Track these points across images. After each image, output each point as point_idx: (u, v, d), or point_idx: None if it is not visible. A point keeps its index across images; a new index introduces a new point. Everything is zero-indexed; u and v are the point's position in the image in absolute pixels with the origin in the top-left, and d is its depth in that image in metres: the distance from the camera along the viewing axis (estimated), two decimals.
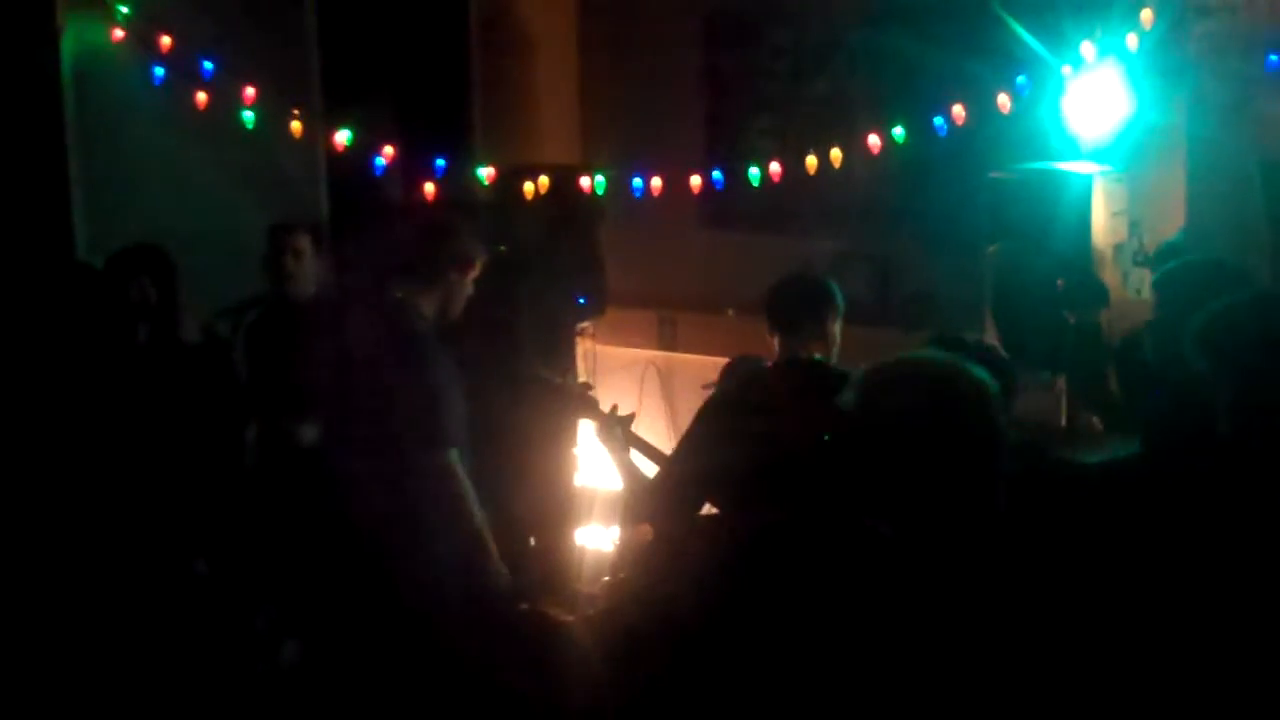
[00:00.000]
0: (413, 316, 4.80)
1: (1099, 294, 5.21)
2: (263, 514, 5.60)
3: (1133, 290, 5.38)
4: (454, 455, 4.79)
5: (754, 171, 6.20)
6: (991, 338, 5.65)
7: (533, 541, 6.16)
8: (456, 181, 6.63)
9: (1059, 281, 5.21)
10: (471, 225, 5.99)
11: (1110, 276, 5.42)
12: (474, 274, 4.94)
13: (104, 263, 5.56)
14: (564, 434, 6.72)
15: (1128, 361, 4.88)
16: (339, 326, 4.95)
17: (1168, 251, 5.32)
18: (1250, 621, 2.79)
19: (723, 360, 7.00)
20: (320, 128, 6.68)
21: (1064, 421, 5.23)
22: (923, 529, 2.63)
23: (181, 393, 5.32)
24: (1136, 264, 5.46)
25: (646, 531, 6.22)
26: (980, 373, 2.75)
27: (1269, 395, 3.29)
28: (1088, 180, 5.36)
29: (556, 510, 6.29)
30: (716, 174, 6.29)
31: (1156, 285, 4.50)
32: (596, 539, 6.39)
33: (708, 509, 5.30)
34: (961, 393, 2.70)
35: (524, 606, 5.95)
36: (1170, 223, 5.43)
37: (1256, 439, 3.30)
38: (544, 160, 7.23)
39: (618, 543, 6.20)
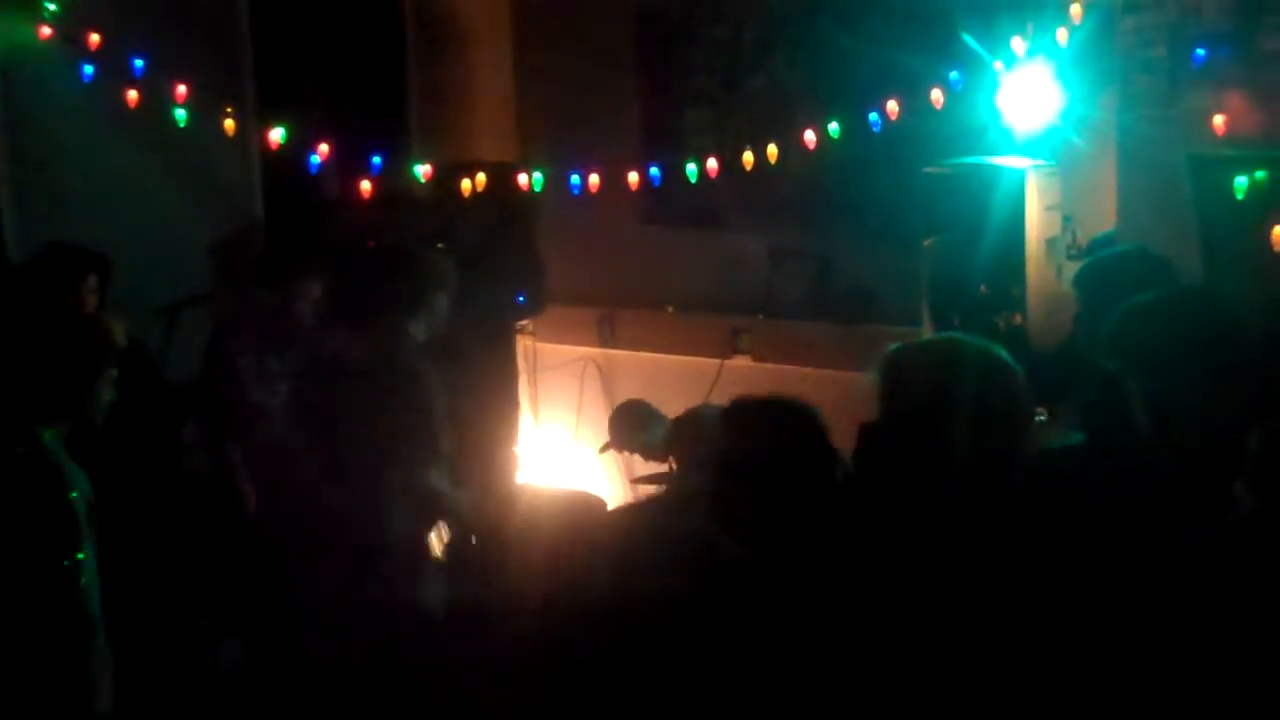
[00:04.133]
0: (404, 341, 4.85)
1: (1018, 300, 5.29)
2: (205, 516, 5.57)
3: (1066, 284, 5.42)
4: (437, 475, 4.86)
5: (691, 168, 6.19)
6: (928, 331, 5.69)
7: (474, 540, 6.15)
8: (393, 179, 6.59)
9: (981, 287, 5.28)
10: (410, 220, 6.01)
11: (1044, 270, 5.47)
12: (449, 294, 5.02)
13: (42, 259, 5.48)
14: (506, 430, 6.72)
15: (1062, 353, 4.93)
16: (325, 348, 5.02)
17: (1099, 244, 5.38)
18: (1170, 608, 2.83)
19: (663, 357, 7.06)
20: (253, 126, 6.62)
21: None
22: (942, 507, 2.68)
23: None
24: (1070, 258, 5.51)
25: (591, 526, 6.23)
26: (1002, 352, 2.83)
27: (1175, 392, 3.34)
28: (1021, 175, 5.40)
29: (499, 506, 6.29)
30: (654, 171, 6.28)
31: (1077, 279, 4.56)
32: (537, 535, 6.37)
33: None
34: (988, 367, 2.76)
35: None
36: (1103, 216, 5.48)
37: (1171, 433, 3.35)
38: (481, 157, 7.21)
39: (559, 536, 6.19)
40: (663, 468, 6.33)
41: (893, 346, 2.91)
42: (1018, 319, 5.32)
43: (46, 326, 3.77)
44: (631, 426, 6.22)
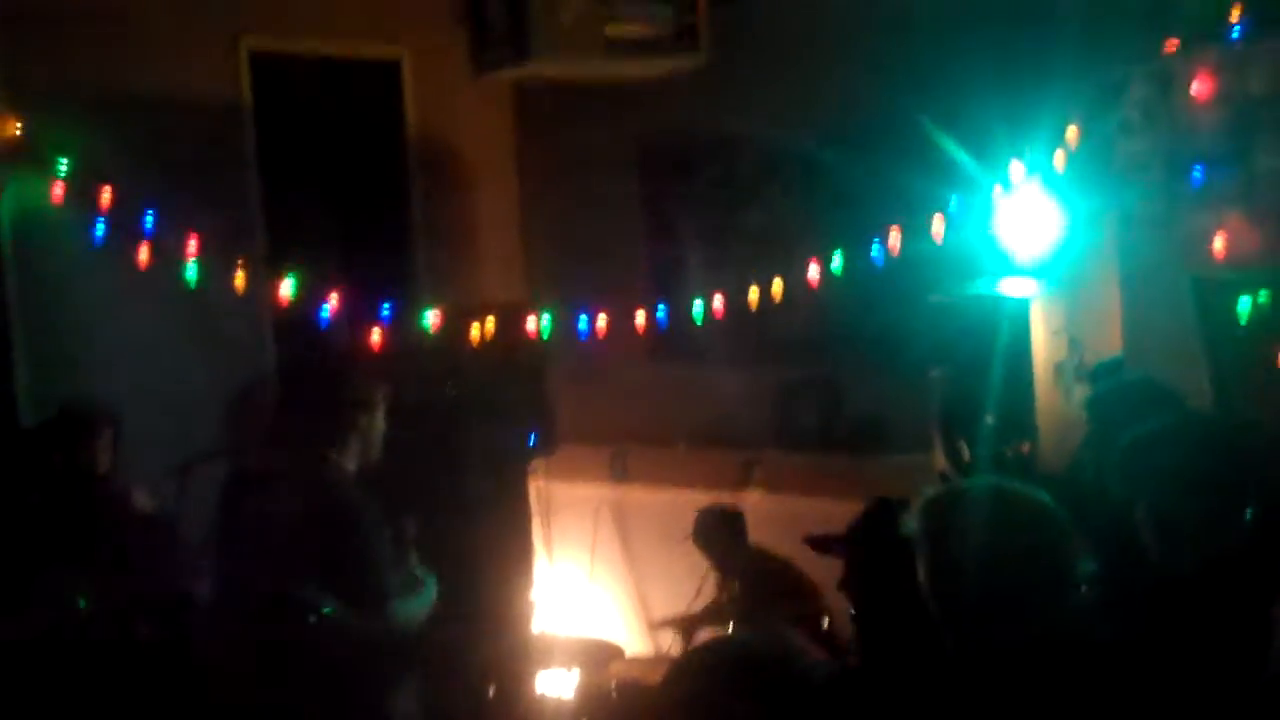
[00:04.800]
0: (334, 475, 4.72)
1: (1025, 429, 5.27)
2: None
3: (1075, 407, 5.40)
4: (393, 609, 4.71)
5: (697, 307, 6.21)
6: (940, 460, 5.67)
7: (491, 690, 6.08)
8: (402, 327, 6.62)
9: (987, 417, 5.26)
10: (403, 369, 5.99)
11: (1053, 394, 5.45)
12: (379, 412, 4.87)
13: (55, 419, 5.51)
14: (520, 575, 6.67)
15: (1070, 481, 4.90)
16: (266, 499, 4.89)
17: (1106, 369, 5.36)
18: None
19: (676, 493, 7.03)
20: (263, 277, 6.67)
21: None
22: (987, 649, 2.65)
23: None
24: (1078, 380, 5.49)
25: (609, 675, 6.17)
26: (1039, 494, 2.85)
27: (1182, 518, 3.33)
28: (1025, 302, 5.41)
29: (514, 655, 6.22)
30: (660, 312, 6.30)
31: (1088, 407, 4.56)
32: (556, 684, 6.30)
33: None
34: (1017, 513, 2.75)
35: None
36: (1108, 338, 5.47)
37: (1181, 564, 3.33)
38: (488, 299, 7.25)
39: (578, 688, 6.12)
40: (682, 605, 6.30)
41: (931, 493, 2.90)
42: (1025, 448, 5.30)
43: None
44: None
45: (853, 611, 3.41)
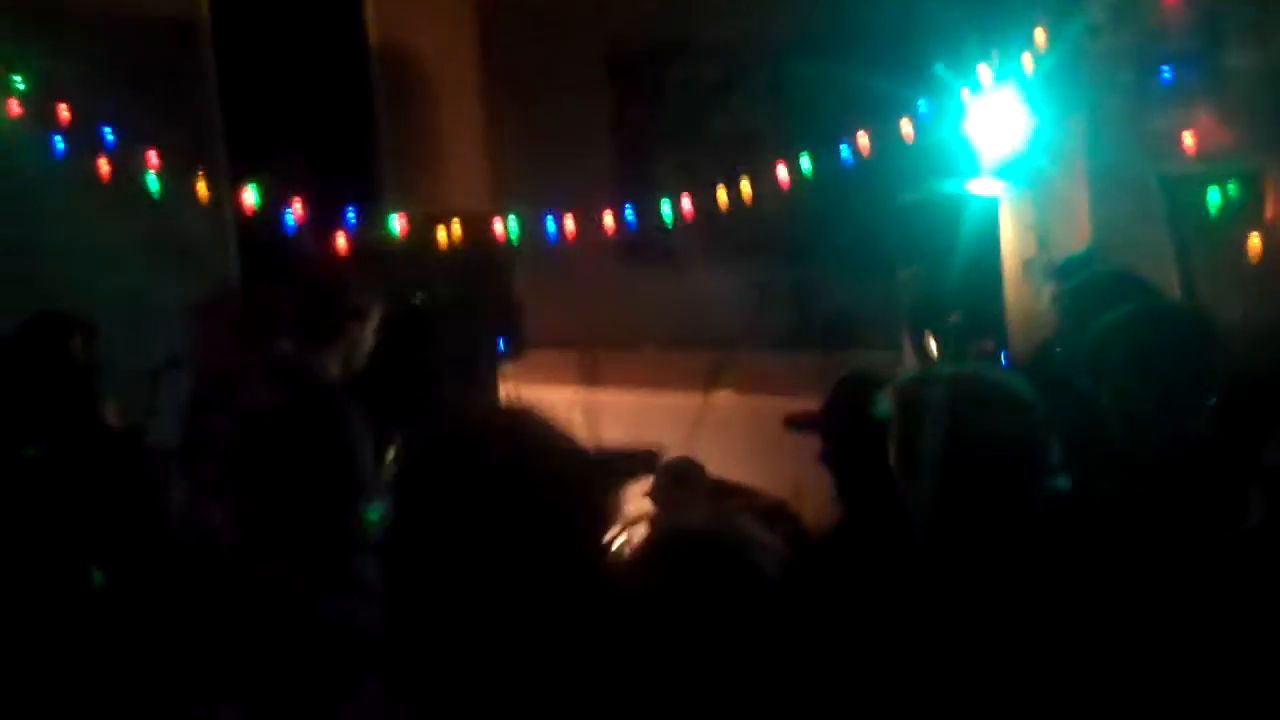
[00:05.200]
0: (317, 374, 4.73)
1: (993, 326, 5.32)
2: (196, 585, 5.53)
3: (1045, 304, 5.46)
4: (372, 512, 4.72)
5: (666, 210, 6.21)
6: (910, 357, 5.72)
7: None
8: (368, 232, 6.59)
9: (952, 316, 5.30)
10: (369, 276, 5.97)
11: (1022, 292, 5.50)
12: (372, 325, 4.88)
13: (30, 326, 5.47)
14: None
15: (1038, 375, 4.95)
16: (244, 396, 4.88)
17: (1073, 264, 5.40)
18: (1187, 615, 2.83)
19: (646, 396, 7.06)
20: (227, 189, 6.62)
21: None
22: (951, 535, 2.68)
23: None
24: (1046, 278, 5.54)
25: None
26: (1017, 381, 2.86)
27: (1146, 407, 3.37)
28: (994, 199, 5.44)
29: None
30: (629, 212, 6.30)
31: (1059, 300, 4.59)
32: None
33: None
34: (989, 401, 2.78)
35: None
36: (1077, 236, 5.53)
37: (1142, 453, 3.38)
38: (455, 206, 7.21)
39: None
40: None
41: (907, 375, 2.92)
42: (988, 346, 5.34)
43: None
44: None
45: (834, 490, 3.45)
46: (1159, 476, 3.32)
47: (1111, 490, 3.45)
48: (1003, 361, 5.41)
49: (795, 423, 3.78)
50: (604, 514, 2.20)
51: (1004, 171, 5.57)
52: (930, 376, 2.98)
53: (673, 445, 6.16)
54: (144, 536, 5.35)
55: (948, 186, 5.64)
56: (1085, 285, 4.72)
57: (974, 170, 5.62)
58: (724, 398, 6.88)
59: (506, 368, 7.21)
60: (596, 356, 7.31)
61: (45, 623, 4.60)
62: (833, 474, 3.48)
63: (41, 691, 3.97)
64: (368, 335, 4.78)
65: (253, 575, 4.75)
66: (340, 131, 7.45)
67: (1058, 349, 4.65)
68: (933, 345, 5.64)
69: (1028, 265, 5.53)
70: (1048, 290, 5.46)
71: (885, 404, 2.90)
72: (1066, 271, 5.41)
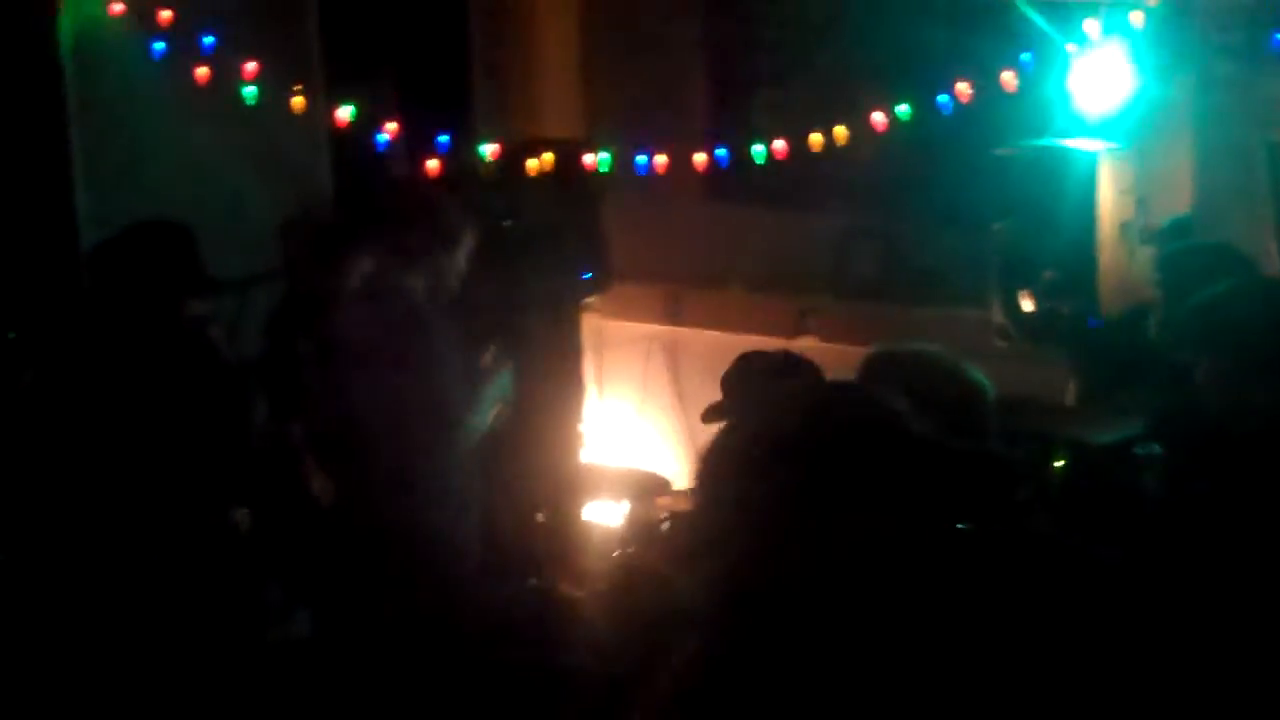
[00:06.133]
0: (407, 296, 4.77)
1: (1089, 285, 5.24)
2: (272, 490, 5.62)
3: (1139, 267, 5.38)
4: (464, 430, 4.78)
5: (758, 149, 6.16)
6: (998, 315, 5.67)
7: (540, 517, 6.18)
8: (459, 157, 6.61)
9: (1046, 274, 5.23)
10: (462, 201, 6.01)
11: (1117, 254, 5.42)
12: (463, 250, 4.91)
13: (130, 235, 5.53)
14: (570, 408, 6.75)
15: (1131, 339, 4.90)
16: (338, 318, 4.93)
17: (1173, 229, 5.33)
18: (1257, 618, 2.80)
19: (729, 336, 7.04)
20: (322, 104, 6.65)
21: (1072, 400, 5.24)
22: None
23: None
24: (1143, 242, 5.45)
25: (657, 507, 6.27)
26: (974, 374, 2.81)
27: (1246, 381, 3.32)
28: (1093, 158, 5.34)
29: (564, 485, 6.31)
30: (721, 152, 6.25)
31: (1160, 268, 4.52)
32: (604, 514, 6.40)
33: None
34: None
35: (532, 581, 6.03)
36: (1177, 200, 5.42)
37: (1248, 425, 3.33)
38: (547, 134, 7.21)
39: (626, 518, 6.22)
40: None
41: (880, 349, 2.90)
42: (1049, 275, 5.27)
43: None
44: None
45: None
46: (1257, 458, 3.28)
47: (1206, 461, 3.42)
48: (1089, 320, 5.33)
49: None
50: None
51: (1105, 130, 5.46)
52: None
53: None
54: (229, 443, 5.47)
55: (1046, 141, 5.55)
56: (1182, 254, 4.66)
57: (1074, 127, 5.52)
58: (807, 344, 6.86)
59: (591, 300, 7.24)
60: (681, 294, 7.30)
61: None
62: None
63: None
64: (459, 261, 4.81)
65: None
66: (435, 56, 7.45)
67: (1150, 317, 4.59)
68: (1025, 302, 5.58)
69: (1124, 228, 5.43)
70: (1143, 254, 5.38)
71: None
72: (1166, 237, 5.33)
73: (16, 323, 5.60)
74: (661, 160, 6.27)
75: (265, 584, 5.67)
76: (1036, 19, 5.60)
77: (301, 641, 5.64)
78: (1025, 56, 5.60)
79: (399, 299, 4.72)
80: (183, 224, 5.34)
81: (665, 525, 5.92)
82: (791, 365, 4.28)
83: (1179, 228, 5.28)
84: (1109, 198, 5.37)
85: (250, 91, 6.29)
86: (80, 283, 5.60)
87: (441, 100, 7.31)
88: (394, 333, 4.69)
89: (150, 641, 5.00)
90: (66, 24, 6.28)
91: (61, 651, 4.91)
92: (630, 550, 5.92)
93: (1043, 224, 5.42)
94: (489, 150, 6.68)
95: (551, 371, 6.43)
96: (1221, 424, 3.44)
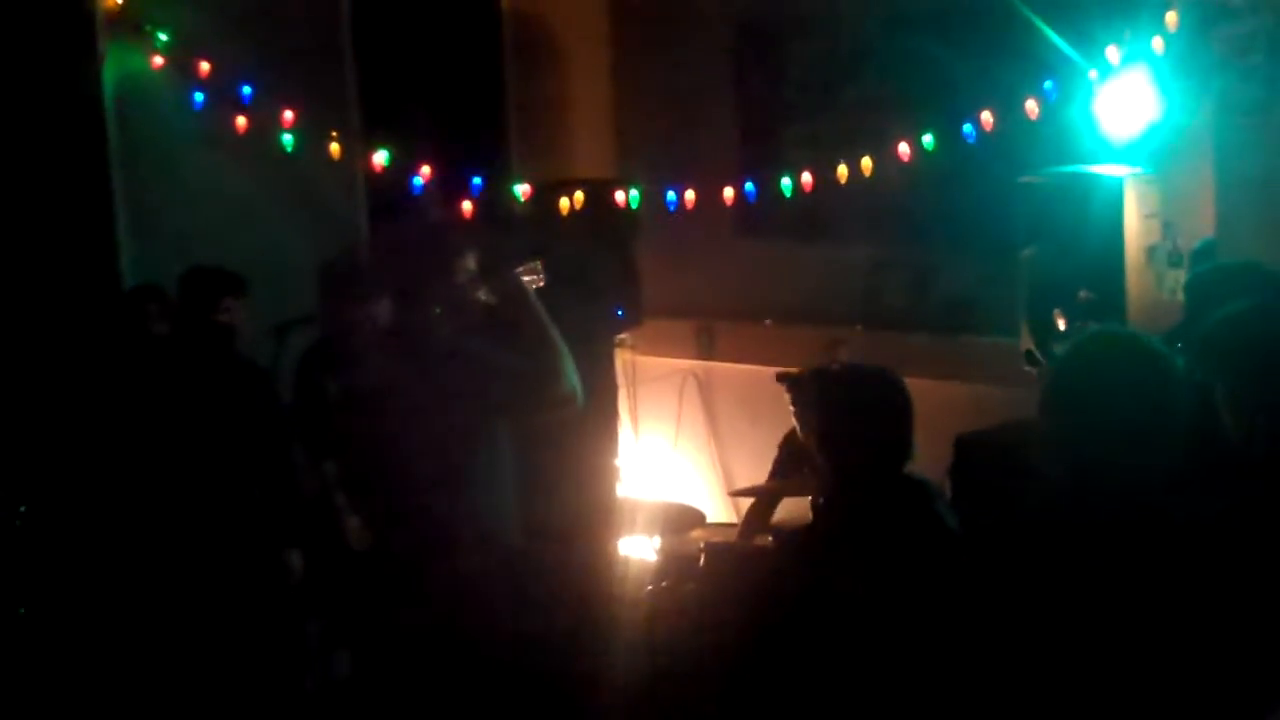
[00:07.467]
0: (447, 335, 4.81)
1: (1118, 309, 5.26)
2: (313, 527, 5.69)
3: (1168, 291, 5.40)
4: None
5: (786, 182, 6.23)
6: (1027, 342, 5.69)
7: (577, 552, 6.21)
8: (493, 199, 6.70)
9: (1081, 294, 5.25)
10: (492, 241, 6.07)
11: (1145, 277, 5.44)
12: (486, 288, 4.93)
13: (185, 281, 5.66)
14: (606, 443, 6.80)
15: None
16: (366, 359, 5.01)
17: (1201, 252, 5.33)
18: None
19: (762, 369, 7.10)
20: (358, 148, 6.77)
21: None
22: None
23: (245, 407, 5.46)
24: (1171, 265, 5.47)
25: (691, 540, 6.30)
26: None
27: (1265, 399, 3.31)
28: (1119, 183, 5.38)
29: (599, 519, 6.35)
30: (749, 186, 6.33)
31: (1187, 288, 4.51)
32: (639, 548, 6.44)
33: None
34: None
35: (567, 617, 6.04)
36: (1203, 223, 5.42)
37: (1259, 445, 3.32)
38: (579, 175, 7.30)
39: (660, 552, 6.26)
40: (763, 476, 6.39)
41: (1078, 340, 2.97)
42: (1085, 295, 5.28)
43: None
44: None
45: None
46: (1270, 472, 3.28)
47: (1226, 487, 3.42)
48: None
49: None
50: None
51: (1129, 155, 5.50)
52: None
53: (784, 421, 6.22)
54: (283, 484, 5.56)
55: (1072, 168, 5.59)
56: (1206, 275, 4.65)
57: (1099, 153, 5.56)
58: None
59: (625, 336, 7.31)
60: (713, 328, 7.36)
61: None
62: None
63: None
64: (483, 299, 4.84)
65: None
66: (470, 98, 7.56)
67: (1178, 341, 4.59)
68: (1060, 323, 5.60)
69: (1151, 251, 5.46)
70: (1172, 278, 5.40)
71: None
72: (1197, 258, 5.34)
73: (63, 365, 5.73)
74: (691, 196, 6.34)
75: (304, 623, 5.75)
76: (1061, 45, 5.65)
77: (340, 683, 5.69)
78: (1048, 85, 5.66)
79: (423, 337, 4.75)
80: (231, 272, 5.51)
81: (702, 556, 5.96)
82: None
83: (1207, 251, 5.29)
84: (1135, 222, 5.40)
85: (288, 140, 6.42)
86: (124, 324, 5.73)
87: (475, 141, 7.42)
88: (418, 372, 4.73)
89: (204, 679, 5.09)
90: (109, 76, 6.44)
91: (120, 693, 5.01)
92: (665, 584, 5.97)
93: (1070, 250, 5.44)
94: (522, 191, 6.78)
95: (587, 407, 6.47)
96: (1240, 443, 3.44)
